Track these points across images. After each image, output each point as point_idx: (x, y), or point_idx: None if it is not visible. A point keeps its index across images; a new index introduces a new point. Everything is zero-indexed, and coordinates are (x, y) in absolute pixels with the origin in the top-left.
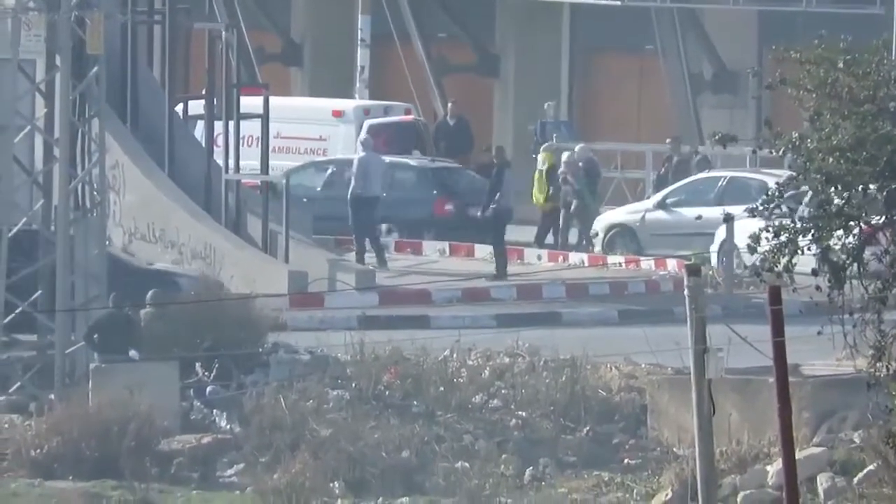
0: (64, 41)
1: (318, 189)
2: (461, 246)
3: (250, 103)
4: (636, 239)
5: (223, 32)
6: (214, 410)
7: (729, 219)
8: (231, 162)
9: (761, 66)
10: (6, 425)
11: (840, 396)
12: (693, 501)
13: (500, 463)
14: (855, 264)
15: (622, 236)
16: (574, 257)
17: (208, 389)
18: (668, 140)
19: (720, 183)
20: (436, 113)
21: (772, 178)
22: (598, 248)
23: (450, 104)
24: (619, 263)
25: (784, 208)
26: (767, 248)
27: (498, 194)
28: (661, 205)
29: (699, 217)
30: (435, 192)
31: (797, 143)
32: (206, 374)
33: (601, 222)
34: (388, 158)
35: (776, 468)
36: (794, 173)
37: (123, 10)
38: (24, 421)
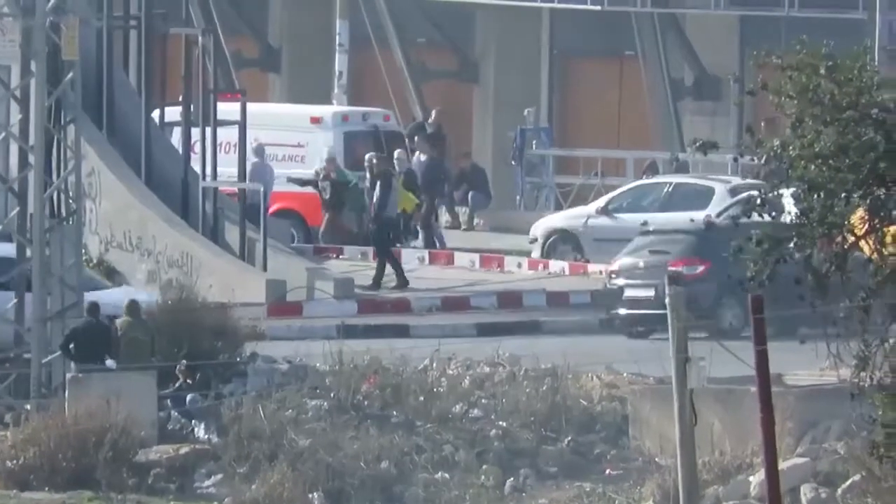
0: (39, 47)
1: None
2: (441, 254)
3: (227, 109)
4: (578, 245)
5: (200, 38)
6: (192, 420)
7: (710, 226)
8: (208, 169)
9: (743, 72)
10: None
11: (824, 406)
12: None
13: (480, 474)
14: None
15: (564, 242)
16: (554, 265)
17: (188, 398)
18: (645, 164)
19: (666, 189)
20: (414, 118)
21: (720, 184)
22: (536, 254)
23: (434, 111)
24: (600, 272)
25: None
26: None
27: (384, 204)
28: (605, 210)
29: (645, 223)
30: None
31: (779, 150)
32: (187, 380)
33: (540, 227)
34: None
35: (759, 479)
36: (746, 180)
37: (99, 16)
38: (0, 431)
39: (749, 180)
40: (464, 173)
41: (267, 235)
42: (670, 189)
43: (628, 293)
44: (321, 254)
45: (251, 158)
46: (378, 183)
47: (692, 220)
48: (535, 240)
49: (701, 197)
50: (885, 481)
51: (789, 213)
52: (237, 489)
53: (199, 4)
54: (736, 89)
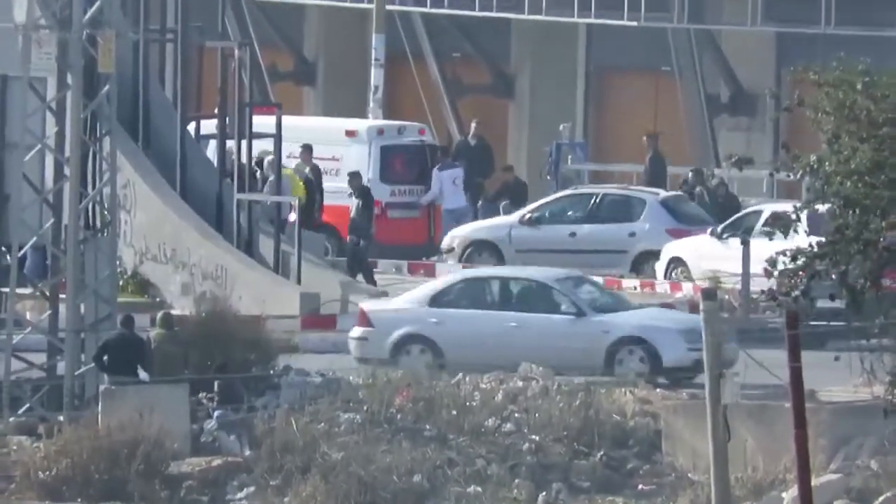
0: (75, 59)
1: None
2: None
3: (263, 122)
4: (499, 255)
5: (236, 51)
6: (225, 433)
7: (745, 242)
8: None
9: (779, 88)
10: (15, 447)
11: (857, 423)
12: None
13: (512, 488)
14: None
15: (483, 252)
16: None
17: (216, 413)
18: (689, 172)
19: (593, 200)
20: (450, 133)
21: (650, 196)
22: (451, 262)
23: (473, 124)
24: (634, 287)
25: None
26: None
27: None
28: (528, 221)
29: (573, 234)
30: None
31: (815, 166)
32: (212, 402)
33: (458, 236)
34: None
35: (792, 495)
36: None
37: (135, 29)
38: (33, 443)
39: (676, 192)
40: (507, 186)
41: (301, 248)
42: (598, 200)
43: None
44: None
45: (269, 174)
46: (360, 201)
47: (573, 234)
48: (452, 249)
49: (630, 208)
50: None
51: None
52: (269, 502)
53: (236, 18)
54: (772, 105)
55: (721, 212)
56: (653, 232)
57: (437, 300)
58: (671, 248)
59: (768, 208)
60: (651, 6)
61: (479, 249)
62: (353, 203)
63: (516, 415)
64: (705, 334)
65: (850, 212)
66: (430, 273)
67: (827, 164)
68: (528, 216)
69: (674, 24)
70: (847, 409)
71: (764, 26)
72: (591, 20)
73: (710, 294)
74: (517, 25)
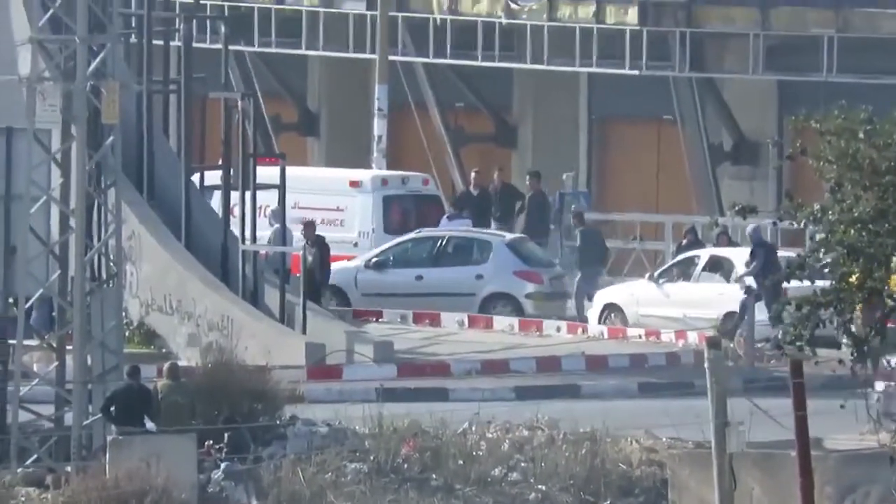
0: (80, 111)
1: None
2: (479, 318)
3: (267, 173)
4: (346, 299)
5: (239, 102)
6: (232, 483)
7: (750, 291)
8: (248, 232)
9: (782, 137)
10: (23, 498)
11: (863, 471)
12: None
13: None
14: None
15: (333, 297)
16: (594, 329)
17: (223, 464)
18: (685, 228)
19: (439, 243)
20: (453, 182)
21: (496, 238)
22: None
23: (473, 173)
24: (639, 335)
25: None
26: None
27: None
28: (374, 264)
29: (420, 277)
30: None
31: (818, 214)
32: (218, 453)
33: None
34: None
35: None
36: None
37: (139, 80)
38: (41, 494)
39: (520, 234)
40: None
41: (306, 299)
42: (443, 243)
43: None
44: (360, 317)
45: (272, 224)
46: (316, 250)
47: (419, 278)
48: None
49: (476, 251)
50: None
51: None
52: None
53: (239, 69)
54: (774, 154)
55: None
56: (500, 274)
57: None
58: (605, 294)
59: (705, 253)
60: (652, 55)
61: (329, 294)
62: (310, 253)
63: (522, 464)
64: (710, 383)
65: (854, 260)
66: (436, 322)
67: (830, 212)
68: (373, 260)
69: (675, 72)
70: (853, 457)
71: (765, 75)
72: (593, 69)
73: (715, 343)
74: (519, 75)
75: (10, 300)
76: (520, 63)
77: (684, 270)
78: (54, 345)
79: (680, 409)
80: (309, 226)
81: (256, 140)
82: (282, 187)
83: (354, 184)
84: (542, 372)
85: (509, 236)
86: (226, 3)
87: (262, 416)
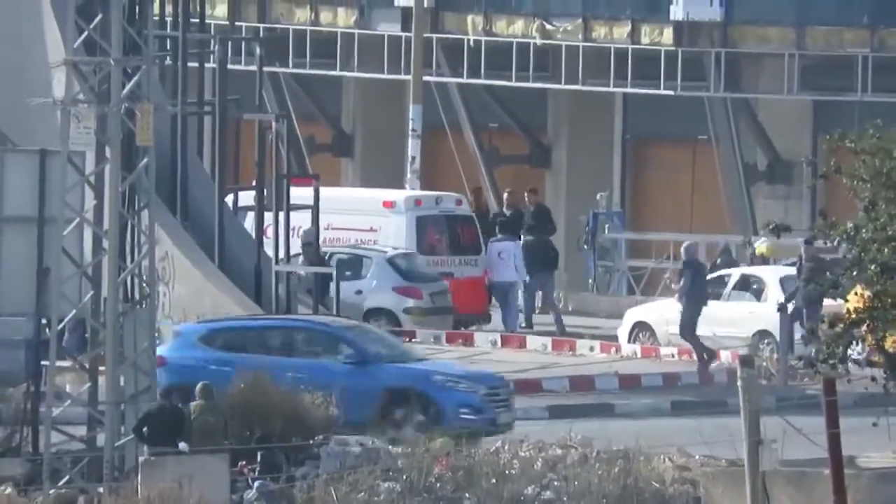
0: (114, 133)
1: None
2: (513, 337)
3: (300, 194)
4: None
5: (273, 123)
6: (265, 503)
7: (782, 308)
8: (281, 253)
9: (816, 156)
10: None
11: None
12: None
13: None
14: None
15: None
16: (626, 348)
17: (256, 484)
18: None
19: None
20: (486, 203)
21: (377, 254)
22: None
23: (505, 194)
24: (672, 354)
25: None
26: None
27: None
28: None
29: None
30: None
31: (852, 233)
32: (251, 473)
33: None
34: None
35: None
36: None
37: (173, 102)
38: None
39: (406, 250)
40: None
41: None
42: (325, 258)
43: None
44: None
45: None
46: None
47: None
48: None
49: (357, 266)
50: None
51: None
52: None
53: (273, 90)
54: (809, 173)
55: None
56: (379, 289)
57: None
58: (635, 313)
59: (736, 272)
60: (687, 75)
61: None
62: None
63: (556, 483)
64: (742, 402)
65: (888, 278)
66: (469, 342)
67: (864, 231)
68: None
69: (710, 92)
70: (887, 475)
71: (800, 94)
72: (628, 90)
73: (748, 361)
74: (553, 95)
75: (44, 321)
76: (554, 83)
77: (715, 289)
78: (87, 366)
79: (713, 428)
80: (308, 246)
81: (290, 161)
82: (315, 208)
83: (388, 204)
84: (575, 391)
85: (392, 252)
86: (261, 25)
87: (295, 436)
